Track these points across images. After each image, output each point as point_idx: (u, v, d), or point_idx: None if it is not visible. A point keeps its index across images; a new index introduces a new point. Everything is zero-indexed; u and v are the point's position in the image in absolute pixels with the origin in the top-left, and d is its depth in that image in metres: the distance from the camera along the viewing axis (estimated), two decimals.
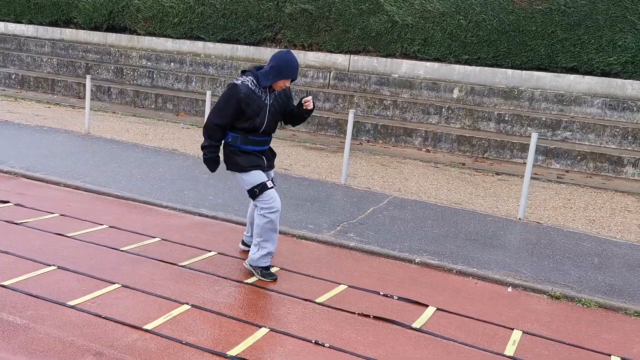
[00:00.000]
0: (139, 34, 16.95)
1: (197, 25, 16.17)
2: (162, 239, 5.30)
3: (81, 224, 5.50)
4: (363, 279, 4.85)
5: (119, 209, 6.11)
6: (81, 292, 4.05)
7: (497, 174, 9.68)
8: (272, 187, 4.47)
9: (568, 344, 4.03)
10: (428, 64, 13.87)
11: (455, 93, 13.12)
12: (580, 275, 5.29)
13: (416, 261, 5.34)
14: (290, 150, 10.17)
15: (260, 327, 3.83)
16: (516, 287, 5.00)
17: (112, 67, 15.54)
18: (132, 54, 16.17)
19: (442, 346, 3.84)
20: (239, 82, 4.34)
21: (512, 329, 4.19)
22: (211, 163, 4.55)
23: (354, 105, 13.11)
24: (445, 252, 5.56)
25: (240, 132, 4.44)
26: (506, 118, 11.90)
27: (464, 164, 10.26)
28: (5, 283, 4.06)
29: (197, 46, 16.18)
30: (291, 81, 4.44)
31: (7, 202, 5.93)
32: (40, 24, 18.26)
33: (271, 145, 4.76)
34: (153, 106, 13.92)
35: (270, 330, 3.80)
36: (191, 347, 3.45)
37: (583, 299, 4.79)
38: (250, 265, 4.62)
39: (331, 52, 14.99)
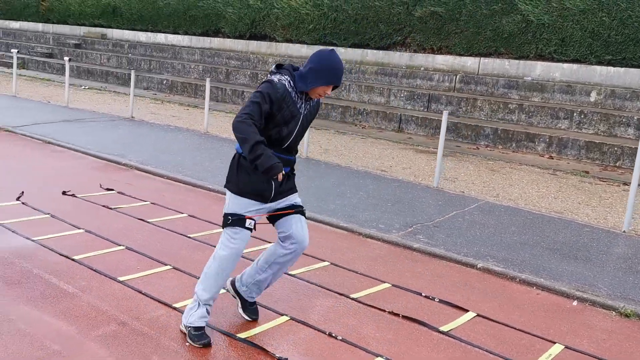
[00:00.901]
0: (277, 41, 17.85)
1: (330, 31, 16.66)
2: None
3: (166, 212, 6.03)
4: (412, 279, 4.78)
5: (206, 201, 6.58)
6: (135, 269, 4.47)
7: (626, 184, 8.85)
8: (249, 229, 3.54)
9: None
10: (565, 65, 13.04)
11: (593, 96, 12.19)
12: None
13: (478, 266, 5.13)
14: (398, 152, 10.15)
15: (281, 314, 3.97)
16: (584, 302, 4.62)
17: (249, 73, 16.53)
18: (268, 59, 17.07)
19: (463, 351, 3.69)
20: (276, 79, 3.45)
21: (554, 343, 3.90)
22: (269, 160, 3.29)
23: (477, 109, 12.71)
24: (515, 260, 5.27)
25: None
26: None
27: (587, 172, 9.51)
28: (75, 257, 4.61)
29: None
30: (333, 89, 3.55)
31: (112, 189, 6.66)
32: (194, 34, 19.93)
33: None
34: None
35: (291, 318, 3.92)
36: (207, 327, 3.68)
37: None
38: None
39: (461, 55, 14.66)
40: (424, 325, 3.99)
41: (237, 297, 3.88)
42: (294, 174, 3.77)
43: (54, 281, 4.17)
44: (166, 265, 4.63)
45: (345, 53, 16.23)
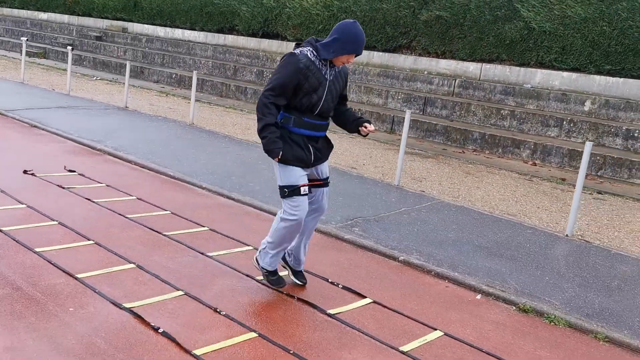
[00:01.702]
0: (288, 40, 18.11)
1: None
2: (173, 213, 5.87)
3: (117, 194, 6.31)
4: (327, 267, 4.94)
5: (162, 186, 6.84)
6: (57, 242, 4.75)
7: (600, 192, 8.84)
8: (305, 194, 3.96)
9: (482, 350, 3.78)
10: (565, 73, 12.97)
11: (587, 105, 12.12)
12: (574, 295, 4.80)
13: (399, 259, 5.26)
14: (379, 152, 10.27)
15: (177, 289, 4.18)
16: (488, 296, 4.72)
17: (255, 70, 16.83)
18: (276, 58, 17.34)
19: (339, 331, 3.85)
20: (297, 51, 3.85)
21: (435, 329, 4.02)
22: (271, 144, 3.81)
23: (470, 114, 12.75)
24: (438, 255, 5.39)
25: (294, 112, 3.91)
26: (636, 134, 10.73)
27: (564, 180, 9.50)
28: (3, 228, 4.90)
29: None
30: (355, 56, 3.90)
31: (74, 171, 6.98)
32: (210, 30, 20.34)
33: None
34: None
35: (185, 294, 4.13)
36: (102, 297, 3.92)
37: (553, 316, 4.39)
38: (257, 263, 4.34)
39: (463, 60, 14.69)
40: (314, 308, 4.16)
41: (287, 267, 4.48)
42: (331, 145, 4.22)
43: None
44: (90, 240, 4.89)
45: None
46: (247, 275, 4.57)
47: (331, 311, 4.13)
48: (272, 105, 3.80)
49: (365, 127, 4.16)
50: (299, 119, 3.92)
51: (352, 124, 4.24)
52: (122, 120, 10.66)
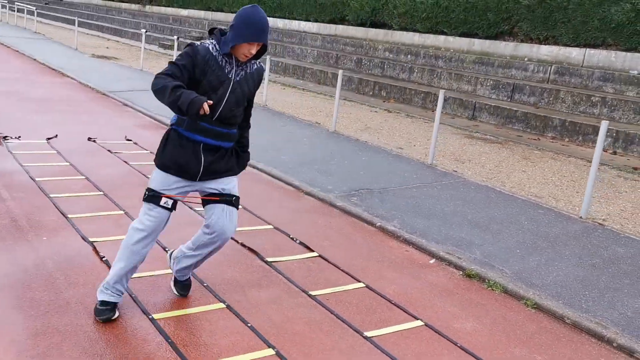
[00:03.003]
0: (393, 29, 18.35)
1: (442, 20, 16.78)
2: None
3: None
4: (301, 226, 5.35)
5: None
6: (71, 191, 5.64)
7: None
8: (165, 207, 3.34)
9: (390, 301, 4.02)
10: None
11: None
12: (533, 267, 4.78)
13: (376, 225, 5.52)
14: (442, 137, 10.30)
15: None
16: (443, 261, 4.86)
17: (355, 58, 17.29)
18: (378, 46, 17.67)
19: (264, 274, 4.28)
20: (198, 42, 3.28)
21: (359, 282, 4.30)
22: (188, 96, 3.00)
23: (559, 101, 12.23)
24: (419, 225, 5.55)
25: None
26: None
27: (636, 169, 8.94)
28: (37, 178, 5.89)
29: (439, 40, 16.80)
30: (263, 50, 3.30)
31: (130, 140, 7.97)
32: (322, 21, 21.13)
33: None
34: (371, 93, 15.18)
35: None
36: (76, 232, 4.69)
37: (493, 282, 4.46)
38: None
39: (566, 45, 14.04)
40: (256, 255, 4.62)
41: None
42: (235, 154, 3.52)
43: None
44: (100, 191, 5.73)
45: (453, 42, 16.28)
46: None
47: (269, 259, 4.56)
48: (167, 76, 3.12)
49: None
50: (193, 122, 3.26)
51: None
52: None
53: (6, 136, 7.41)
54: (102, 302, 3.43)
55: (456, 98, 13.09)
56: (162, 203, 3.34)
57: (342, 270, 4.48)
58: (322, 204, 6.08)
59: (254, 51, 3.23)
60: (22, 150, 6.89)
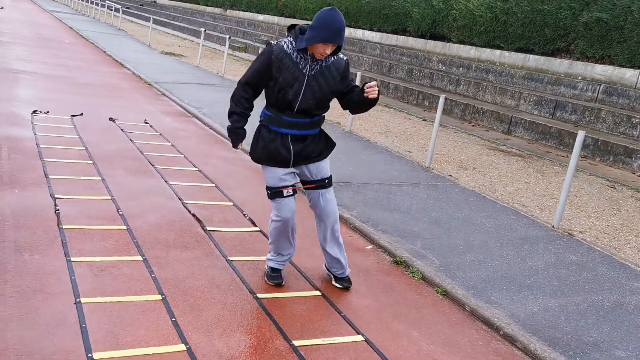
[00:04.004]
0: (451, 42, 18.39)
1: (499, 34, 16.70)
2: (185, 157, 7.10)
3: (159, 139, 7.74)
4: (260, 207, 5.72)
5: (207, 143, 8.12)
6: (65, 158, 6.26)
7: None
8: (288, 196, 3.84)
9: (303, 275, 4.30)
10: None
11: None
12: (463, 262, 4.91)
13: None
14: (468, 148, 10.35)
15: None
16: (379, 248, 5.08)
17: (407, 68, 17.47)
18: (433, 58, 17.77)
19: (196, 240, 4.67)
20: (274, 42, 3.65)
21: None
22: (232, 134, 3.80)
23: (599, 120, 11.95)
24: (374, 217, 5.76)
25: (272, 110, 3.74)
26: None
27: None
28: (41, 145, 6.57)
29: (495, 54, 16.71)
30: (338, 50, 3.64)
31: (147, 123, 8.61)
32: (385, 31, 21.44)
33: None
34: (415, 102, 15.32)
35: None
36: (47, 189, 5.27)
37: (415, 270, 4.65)
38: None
39: (621, 65, 13.65)
40: (199, 222, 5.02)
41: (330, 274, 4.27)
42: (324, 136, 3.95)
43: None
44: (90, 161, 6.32)
45: (509, 57, 16.17)
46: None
47: (209, 227, 4.95)
48: (241, 88, 3.72)
49: (369, 88, 3.71)
50: (277, 117, 3.70)
51: (359, 98, 3.81)
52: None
53: (35, 110, 8.22)
54: (272, 269, 4.12)
55: (493, 111, 13.03)
56: (285, 194, 3.83)
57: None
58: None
59: (328, 51, 3.55)
60: (43, 123, 7.65)
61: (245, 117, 3.78)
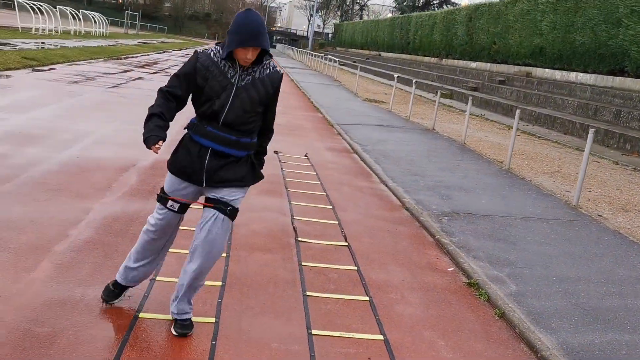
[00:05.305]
0: None
1: None
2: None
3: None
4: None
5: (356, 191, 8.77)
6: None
7: None
8: (171, 210, 3.49)
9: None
10: None
11: None
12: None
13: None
14: (554, 152, 9.58)
15: None
16: (460, 271, 5.19)
17: (614, 110, 16.34)
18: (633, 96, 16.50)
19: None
20: (201, 49, 3.44)
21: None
22: (146, 133, 3.32)
23: None
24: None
25: (199, 119, 3.44)
26: None
27: None
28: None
29: None
30: (263, 53, 3.32)
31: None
32: (600, 72, 20.29)
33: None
34: (615, 145, 14.24)
35: None
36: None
37: (482, 292, 4.71)
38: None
39: None
40: (295, 233, 5.63)
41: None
42: (251, 164, 3.59)
43: None
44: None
45: None
46: None
47: (300, 238, 5.53)
48: (166, 94, 3.41)
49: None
50: (201, 127, 3.39)
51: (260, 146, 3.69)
52: (406, 137, 12.70)
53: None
54: (114, 283, 3.78)
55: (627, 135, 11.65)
56: (168, 205, 3.48)
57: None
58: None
59: (249, 56, 3.24)
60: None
61: (160, 116, 3.36)
